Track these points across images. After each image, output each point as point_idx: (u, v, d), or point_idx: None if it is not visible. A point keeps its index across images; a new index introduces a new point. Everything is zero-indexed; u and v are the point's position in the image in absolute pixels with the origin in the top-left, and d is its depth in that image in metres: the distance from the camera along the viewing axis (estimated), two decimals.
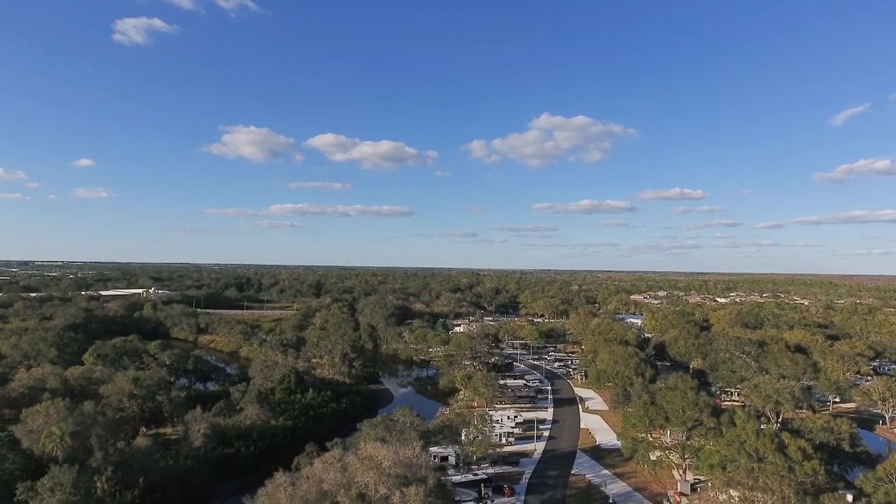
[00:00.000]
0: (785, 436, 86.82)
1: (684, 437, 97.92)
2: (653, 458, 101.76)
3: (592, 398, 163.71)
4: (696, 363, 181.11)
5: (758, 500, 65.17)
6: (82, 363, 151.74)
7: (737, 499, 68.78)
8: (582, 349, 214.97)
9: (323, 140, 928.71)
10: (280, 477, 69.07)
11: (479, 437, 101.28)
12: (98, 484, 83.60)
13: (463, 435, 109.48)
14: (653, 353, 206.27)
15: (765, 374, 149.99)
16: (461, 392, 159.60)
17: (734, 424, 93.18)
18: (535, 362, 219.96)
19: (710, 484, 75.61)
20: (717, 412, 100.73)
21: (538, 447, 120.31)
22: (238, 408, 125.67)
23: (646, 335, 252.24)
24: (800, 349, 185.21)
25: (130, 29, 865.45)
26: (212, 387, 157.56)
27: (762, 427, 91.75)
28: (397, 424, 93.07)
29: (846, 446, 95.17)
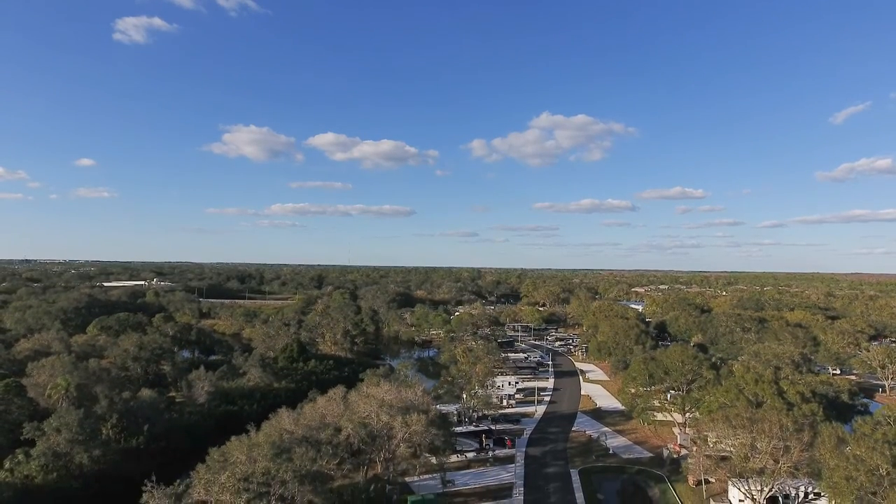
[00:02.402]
0: (784, 383, 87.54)
1: (684, 391, 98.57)
2: (651, 412, 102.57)
3: (593, 370, 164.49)
4: (696, 339, 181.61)
5: (756, 431, 65.71)
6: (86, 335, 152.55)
7: (734, 435, 69.10)
8: (584, 329, 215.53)
9: (323, 139, 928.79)
10: (284, 411, 69.93)
11: (480, 392, 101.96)
12: (104, 431, 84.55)
13: (464, 396, 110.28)
14: (654, 332, 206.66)
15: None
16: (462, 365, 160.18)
17: (733, 374, 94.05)
18: (537, 342, 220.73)
19: (708, 425, 76.12)
20: (715, 366, 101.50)
21: (539, 410, 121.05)
22: (241, 372, 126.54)
23: (647, 320, 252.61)
24: (800, 327, 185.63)
25: (130, 28, 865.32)
26: (214, 359, 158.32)
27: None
28: (399, 375, 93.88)
29: (845, 398, 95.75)
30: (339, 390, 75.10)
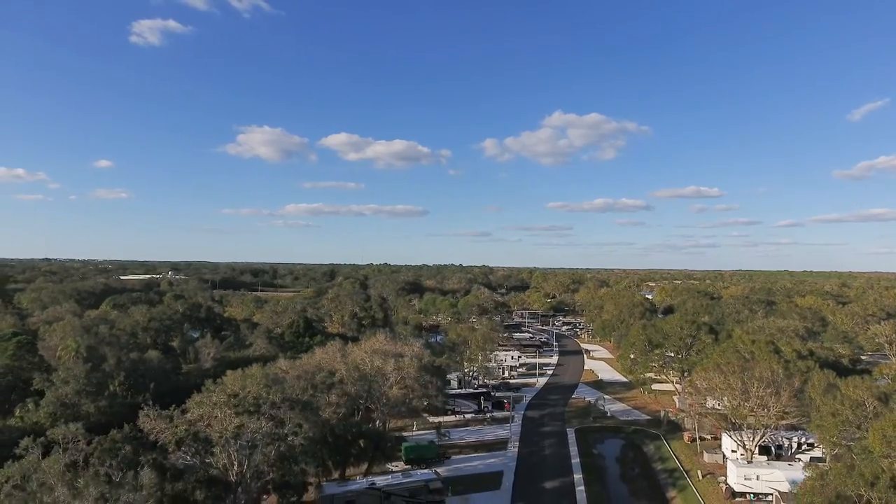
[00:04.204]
0: (781, 343, 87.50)
1: (683, 355, 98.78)
2: (651, 381, 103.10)
3: (598, 350, 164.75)
4: (703, 320, 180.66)
5: (747, 378, 66.04)
6: None
7: (726, 382, 69.29)
8: (590, 311, 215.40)
9: (336, 139, 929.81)
10: (281, 359, 71.70)
11: (479, 357, 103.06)
12: (111, 386, 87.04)
13: (464, 363, 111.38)
14: (662, 316, 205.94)
15: None
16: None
17: (731, 338, 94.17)
18: (544, 328, 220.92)
19: (700, 374, 76.40)
20: (714, 331, 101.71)
21: (540, 381, 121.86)
22: (247, 343, 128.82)
23: (655, 307, 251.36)
24: (809, 310, 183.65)
25: (146, 30, 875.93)
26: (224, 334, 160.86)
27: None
28: (399, 336, 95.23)
29: (846, 362, 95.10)
30: (337, 342, 76.73)
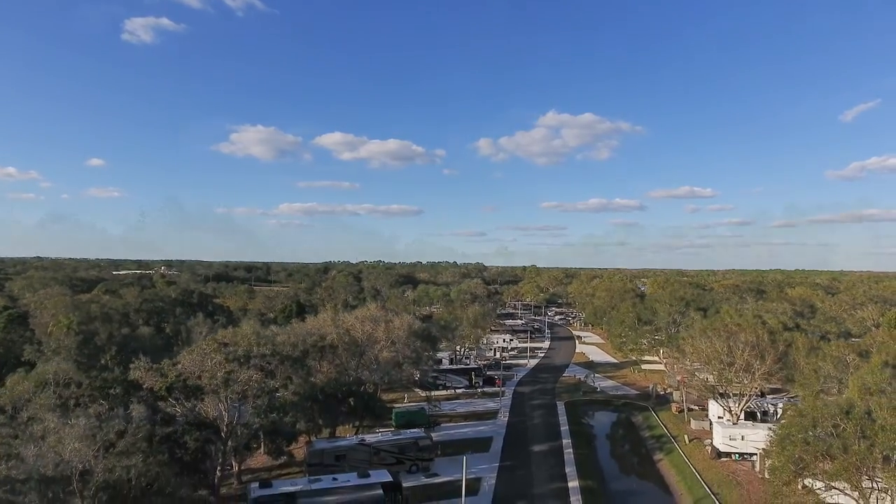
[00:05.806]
0: (768, 316, 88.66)
1: (672, 332, 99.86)
2: (640, 358, 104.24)
3: (589, 336, 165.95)
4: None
5: (732, 340, 67.05)
6: None
7: (711, 347, 70.18)
8: (581, 297, 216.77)
9: (330, 139, 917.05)
10: (273, 326, 72.03)
11: (471, 336, 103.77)
12: (102, 359, 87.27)
13: (455, 340, 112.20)
14: None
15: None
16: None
17: (719, 314, 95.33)
18: (537, 317, 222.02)
19: (686, 341, 77.36)
20: (703, 308, 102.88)
21: (532, 362, 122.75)
22: (240, 325, 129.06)
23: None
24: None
25: (139, 28, 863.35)
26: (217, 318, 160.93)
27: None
28: (391, 311, 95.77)
29: (832, 338, 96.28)
30: (329, 310, 77.25)
